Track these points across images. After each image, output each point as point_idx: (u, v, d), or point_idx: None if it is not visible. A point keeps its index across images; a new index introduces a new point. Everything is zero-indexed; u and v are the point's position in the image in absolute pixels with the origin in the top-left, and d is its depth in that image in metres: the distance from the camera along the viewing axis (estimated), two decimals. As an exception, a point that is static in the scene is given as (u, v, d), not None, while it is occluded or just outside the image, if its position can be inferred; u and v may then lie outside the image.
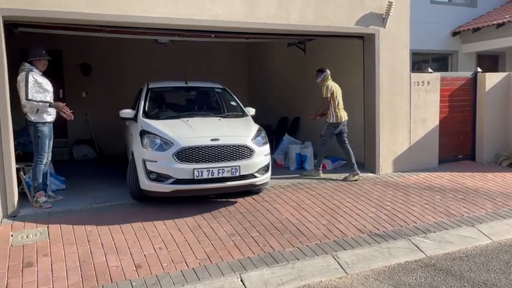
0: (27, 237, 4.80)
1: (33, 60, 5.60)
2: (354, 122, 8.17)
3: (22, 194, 5.79)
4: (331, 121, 7.09)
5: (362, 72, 7.72)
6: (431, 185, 7.00)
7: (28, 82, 5.43)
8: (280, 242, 4.78)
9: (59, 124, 6.38)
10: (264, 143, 5.91)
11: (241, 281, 4.07)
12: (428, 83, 7.94)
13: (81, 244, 4.60)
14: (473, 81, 8.62)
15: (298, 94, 9.81)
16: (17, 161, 5.63)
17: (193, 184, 5.31)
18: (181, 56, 10.65)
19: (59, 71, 9.64)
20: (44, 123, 5.67)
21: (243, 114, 6.67)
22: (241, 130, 5.94)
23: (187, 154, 5.36)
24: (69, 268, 4.16)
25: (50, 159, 5.95)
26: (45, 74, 5.78)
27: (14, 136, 5.49)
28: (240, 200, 6.00)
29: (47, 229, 4.99)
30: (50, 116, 5.75)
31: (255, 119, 6.69)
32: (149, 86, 6.91)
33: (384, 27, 7.37)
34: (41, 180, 5.77)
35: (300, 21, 6.75)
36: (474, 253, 4.79)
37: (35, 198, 5.73)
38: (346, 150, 7.21)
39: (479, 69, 8.73)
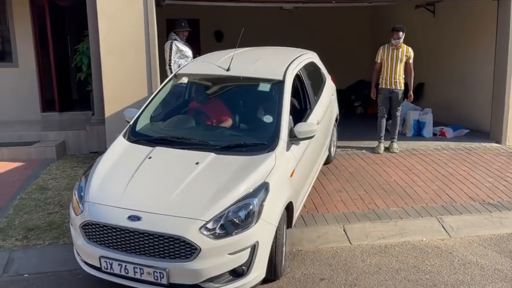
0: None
1: (176, 30, 6.61)
2: (481, 89, 7.72)
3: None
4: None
5: (495, 35, 7.17)
6: None
7: (172, 50, 6.46)
8: (386, 202, 5.04)
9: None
10: (250, 222, 3.21)
11: (344, 230, 4.49)
12: None
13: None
14: None
15: (424, 59, 9.38)
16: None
17: (104, 274, 3.36)
18: (306, 22, 10.93)
19: (197, 38, 10.76)
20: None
21: (267, 147, 3.77)
22: (200, 199, 3.30)
23: (94, 232, 3.36)
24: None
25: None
26: (187, 41, 6.74)
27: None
28: (349, 160, 6.32)
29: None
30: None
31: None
32: (179, 71, 4.85)
33: (526, -15, 6.69)
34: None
35: (426, -18, 6.54)
36: None
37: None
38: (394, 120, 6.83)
39: None
